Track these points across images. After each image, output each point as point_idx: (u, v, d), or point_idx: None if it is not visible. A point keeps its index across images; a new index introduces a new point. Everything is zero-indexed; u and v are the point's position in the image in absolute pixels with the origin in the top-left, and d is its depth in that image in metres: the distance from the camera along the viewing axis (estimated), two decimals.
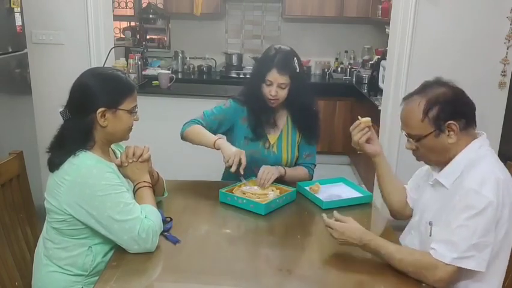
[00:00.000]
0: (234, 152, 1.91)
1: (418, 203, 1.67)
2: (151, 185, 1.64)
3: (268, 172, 1.98)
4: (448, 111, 1.47)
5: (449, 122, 1.46)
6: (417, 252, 1.47)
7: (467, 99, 1.51)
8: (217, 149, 1.98)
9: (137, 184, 1.60)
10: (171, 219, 1.68)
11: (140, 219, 1.46)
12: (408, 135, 1.54)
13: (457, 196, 1.42)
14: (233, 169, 1.89)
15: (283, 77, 2.02)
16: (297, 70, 2.07)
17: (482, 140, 1.51)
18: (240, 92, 2.25)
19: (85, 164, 1.47)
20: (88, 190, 1.44)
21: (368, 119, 1.75)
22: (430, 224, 1.53)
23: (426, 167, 1.67)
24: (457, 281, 1.44)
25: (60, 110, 1.52)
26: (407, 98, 1.55)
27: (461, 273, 1.41)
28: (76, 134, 1.50)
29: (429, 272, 1.38)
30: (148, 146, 1.65)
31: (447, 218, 1.43)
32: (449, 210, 1.43)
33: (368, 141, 1.76)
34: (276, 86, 2.03)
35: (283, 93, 2.06)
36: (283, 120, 2.19)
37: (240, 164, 1.90)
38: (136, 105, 1.58)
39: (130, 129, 1.60)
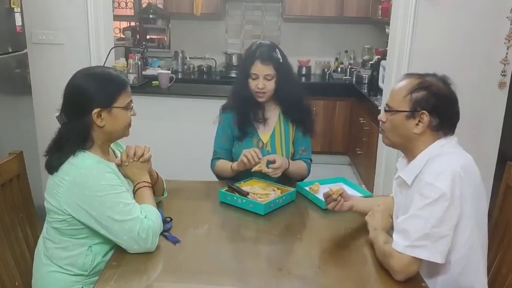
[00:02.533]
0: (244, 157, 1.96)
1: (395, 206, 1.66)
2: (151, 185, 1.64)
3: (282, 161, 2.00)
4: (431, 102, 1.45)
5: (424, 112, 1.44)
6: (388, 243, 1.45)
7: (455, 108, 1.49)
8: (238, 170, 2.05)
9: (137, 184, 1.60)
10: (171, 219, 1.68)
11: (140, 219, 1.46)
12: (387, 106, 1.54)
13: (416, 190, 1.43)
14: (255, 167, 1.96)
15: (268, 67, 2.04)
16: (281, 60, 2.08)
17: (448, 140, 1.48)
18: (227, 97, 2.26)
19: (84, 165, 1.47)
20: (87, 190, 1.44)
21: (339, 188, 1.70)
22: None
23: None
24: (430, 276, 1.44)
25: (56, 114, 1.52)
26: (407, 74, 1.55)
27: (437, 268, 1.41)
28: (74, 136, 1.49)
29: (389, 259, 1.39)
30: (149, 146, 1.66)
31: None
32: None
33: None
34: (262, 78, 2.05)
35: (270, 85, 2.07)
36: (275, 117, 2.19)
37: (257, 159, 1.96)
38: (131, 101, 1.57)
39: (129, 125, 1.59)
